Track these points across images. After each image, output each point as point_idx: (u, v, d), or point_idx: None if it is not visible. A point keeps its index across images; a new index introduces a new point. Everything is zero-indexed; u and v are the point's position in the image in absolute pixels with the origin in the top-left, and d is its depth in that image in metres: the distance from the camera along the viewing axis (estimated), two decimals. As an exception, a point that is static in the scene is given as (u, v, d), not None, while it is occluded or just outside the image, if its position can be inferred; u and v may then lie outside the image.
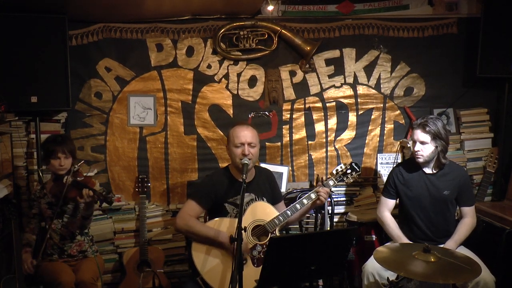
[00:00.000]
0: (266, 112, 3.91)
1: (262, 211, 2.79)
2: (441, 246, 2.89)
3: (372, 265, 2.83)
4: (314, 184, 3.89)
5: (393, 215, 3.16)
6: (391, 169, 3.27)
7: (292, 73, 3.90)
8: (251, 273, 2.59)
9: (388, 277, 2.46)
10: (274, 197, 3.00)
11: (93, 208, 3.06)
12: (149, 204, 3.82)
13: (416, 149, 2.97)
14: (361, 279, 2.95)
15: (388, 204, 3.15)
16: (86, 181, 3.02)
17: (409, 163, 3.13)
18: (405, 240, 3.00)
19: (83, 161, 3.20)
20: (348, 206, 3.89)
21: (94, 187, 2.94)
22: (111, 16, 3.64)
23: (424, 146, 2.95)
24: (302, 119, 3.95)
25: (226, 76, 3.85)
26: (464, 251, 2.91)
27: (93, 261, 3.06)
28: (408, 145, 3.55)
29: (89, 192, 2.87)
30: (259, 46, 3.79)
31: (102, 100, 3.77)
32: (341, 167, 2.96)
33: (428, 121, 2.94)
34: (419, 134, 2.95)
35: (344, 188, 3.88)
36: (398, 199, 3.17)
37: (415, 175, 3.06)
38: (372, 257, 2.45)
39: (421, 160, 2.99)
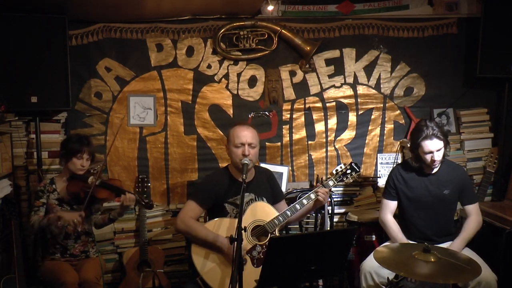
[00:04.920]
0: (266, 112, 3.91)
1: (262, 211, 2.79)
2: (444, 245, 2.88)
3: (369, 264, 2.82)
4: (314, 184, 3.89)
5: (393, 215, 3.15)
6: (391, 169, 3.26)
7: (292, 73, 3.90)
8: (251, 273, 2.59)
9: (388, 277, 2.46)
10: (274, 197, 2.99)
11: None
12: (149, 204, 3.82)
13: (436, 158, 2.89)
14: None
15: (390, 207, 3.11)
16: (118, 184, 3.08)
17: (408, 164, 3.11)
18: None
19: (103, 163, 3.21)
20: (348, 206, 3.89)
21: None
22: (111, 16, 3.64)
23: (440, 152, 2.91)
24: (302, 119, 3.95)
25: (226, 76, 3.85)
26: (465, 250, 2.91)
27: (95, 261, 3.06)
28: (408, 145, 3.54)
29: (131, 196, 2.95)
30: (259, 46, 3.79)
31: (102, 100, 3.78)
32: (341, 167, 2.96)
33: (437, 129, 2.87)
34: (437, 143, 2.86)
35: (344, 188, 3.88)
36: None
37: (415, 175, 3.04)
38: (370, 256, 2.45)
39: (437, 166, 2.96)
